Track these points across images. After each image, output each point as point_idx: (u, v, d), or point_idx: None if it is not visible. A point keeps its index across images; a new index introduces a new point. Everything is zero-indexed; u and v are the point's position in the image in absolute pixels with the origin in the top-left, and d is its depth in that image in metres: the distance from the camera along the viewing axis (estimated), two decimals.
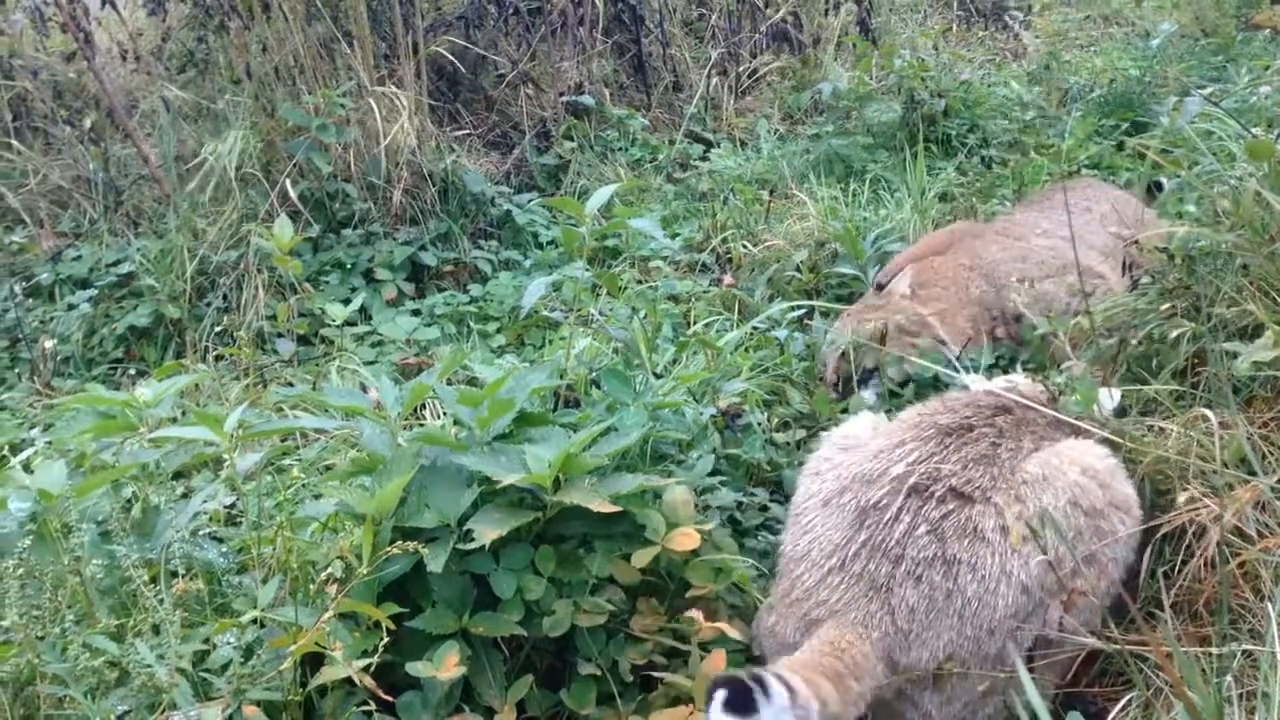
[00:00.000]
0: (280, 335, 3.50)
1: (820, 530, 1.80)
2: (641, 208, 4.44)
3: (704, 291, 3.60)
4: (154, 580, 1.77)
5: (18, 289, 3.88)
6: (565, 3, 5.31)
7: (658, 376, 2.40)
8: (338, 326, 3.48)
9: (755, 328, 2.93)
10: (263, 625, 1.73)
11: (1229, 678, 1.52)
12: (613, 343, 2.64)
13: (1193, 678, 1.44)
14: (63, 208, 4.47)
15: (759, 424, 2.43)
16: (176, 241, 3.86)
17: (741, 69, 5.81)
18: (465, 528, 1.75)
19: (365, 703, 1.65)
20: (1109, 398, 2.11)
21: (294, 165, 3.95)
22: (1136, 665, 1.74)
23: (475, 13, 5.27)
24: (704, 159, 4.97)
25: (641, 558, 1.84)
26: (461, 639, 1.73)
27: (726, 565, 1.91)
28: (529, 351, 3.50)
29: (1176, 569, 1.89)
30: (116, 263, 3.96)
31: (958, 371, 2.48)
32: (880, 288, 2.96)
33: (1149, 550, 1.92)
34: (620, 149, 5.02)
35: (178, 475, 2.44)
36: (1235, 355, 1.96)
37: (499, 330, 3.65)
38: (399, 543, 1.65)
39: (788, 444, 2.47)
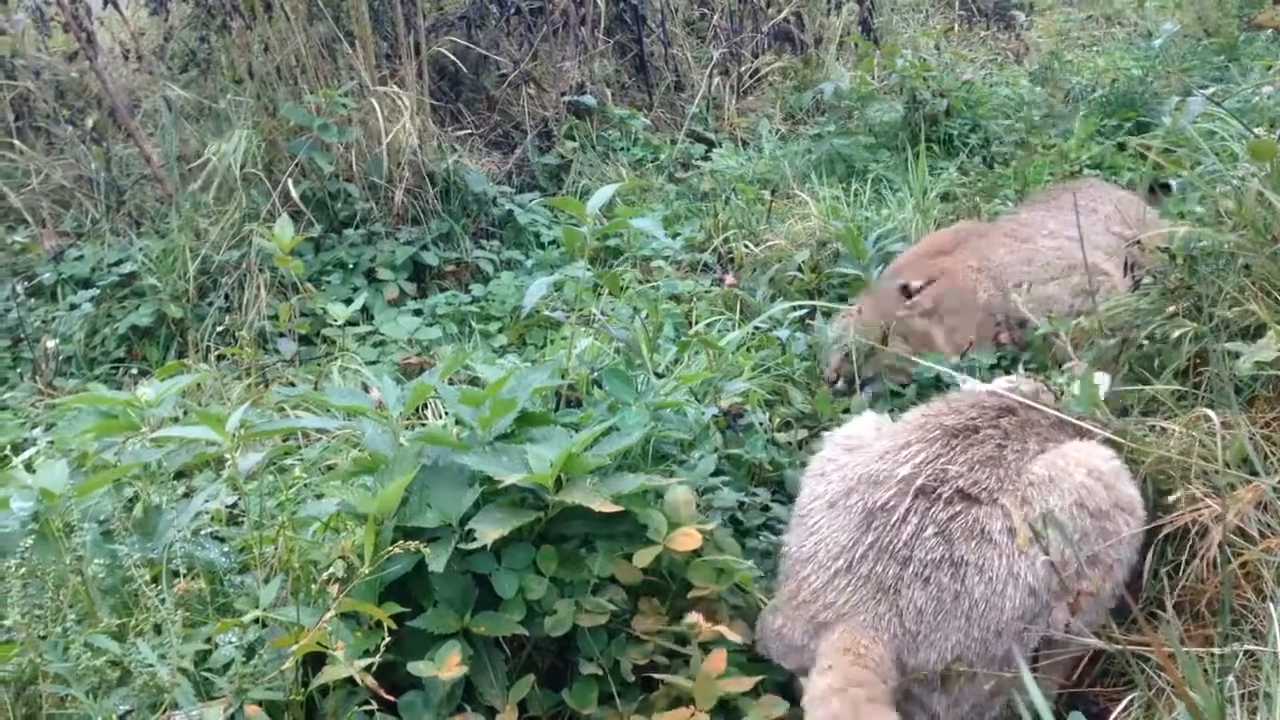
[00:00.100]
0: (282, 335, 3.50)
1: (826, 532, 1.80)
2: (643, 207, 4.43)
3: (706, 291, 3.60)
4: (156, 580, 1.77)
5: (20, 288, 3.88)
6: (567, 2, 5.31)
7: (659, 376, 2.40)
8: (339, 326, 3.48)
9: (757, 328, 2.93)
10: (264, 625, 1.73)
11: (1231, 678, 1.52)
12: (614, 342, 2.64)
13: (1194, 678, 1.44)
14: (65, 207, 4.47)
15: (761, 424, 2.43)
16: (178, 241, 3.86)
17: (743, 69, 5.81)
18: (467, 527, 1.75)
19: (367, 702, 1.65)
20: (1102, 384, 2.11)
21: (296, 165, 3.95)
22: (1138, 665, 1.74)
23: (477, 12, 5.27)
24: (706, 159, 4.97)
25: (643, 558, 1.84)
26: (463, 639, 1.73)
27: (729, 566, 1.91)
28: (530, 351, 3.50)
29: (1178, 569, 1.89)
30: (118, 262, 3.96)
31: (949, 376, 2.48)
32: (908, 293, 2.92)
33: (1151, 550, 1.92)
34: (622, 149, 5.02)
35: (179, 475, 2.44)
36: (1237, 355, 1.96)
37: (501, 330, 3.65)
38: (401, 542, 1.65)
39: (789, 444, 2.47)
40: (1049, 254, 2.96)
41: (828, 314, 3.16)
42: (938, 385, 2.64)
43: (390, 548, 1.66)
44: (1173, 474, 1.96)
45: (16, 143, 4.58)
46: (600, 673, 1.80)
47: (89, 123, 4.63)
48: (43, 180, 4.48)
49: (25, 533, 1.72)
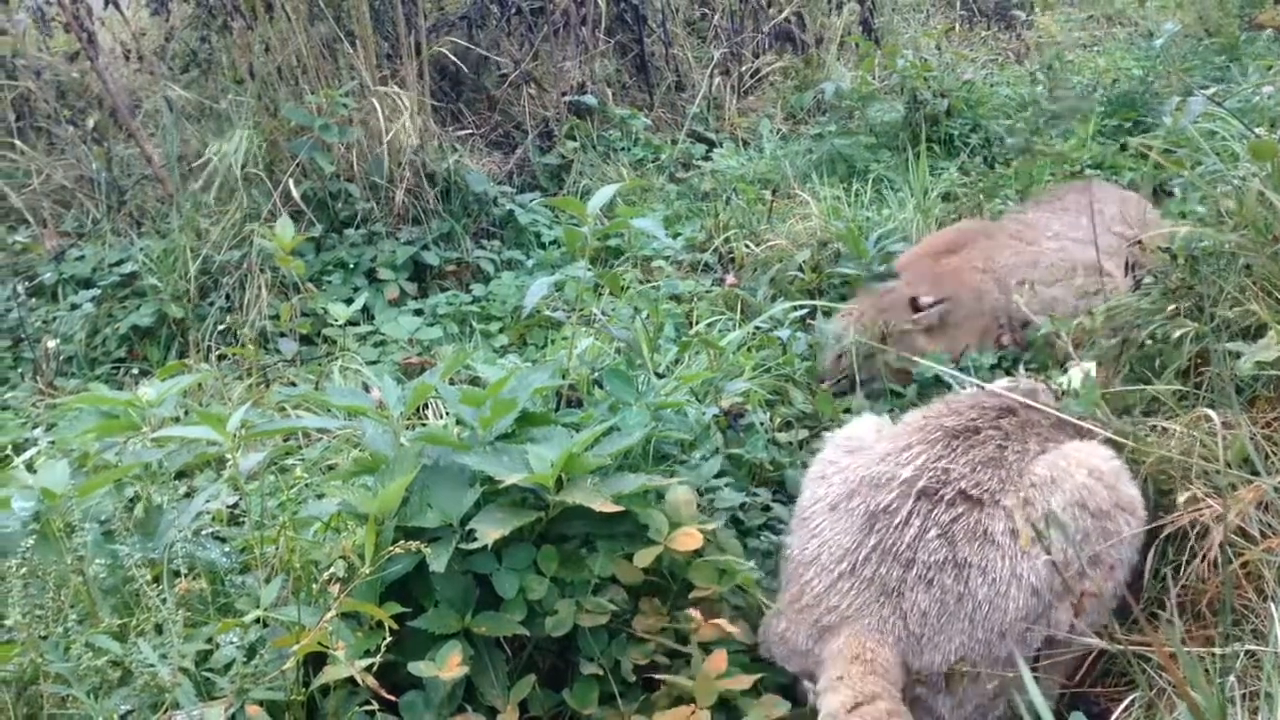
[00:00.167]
0: (283, 335, 3.50)
1: (829, 535, 1.80)
2: (644, 207, 4.43)
3: (706, 291, 3.60)
4: (157, 580, 1.77)
5: (21, 288, 3.88)
6: (568, 2, 5.30)
7: (660, 376, 2.40)
8: (340, 326, 3.48)
9: (758, 328, 2.93)
10: (265, 625, 1.73)
11: (1232, 678, 1.51)
12: (615, 342, 2.64)
13: (1196, 678, 1.44)
14: (66, 207, 4.47)
15: (761, 424, 2.43)
16: (179, 241, 3.86)
17: (744, 69, 5.81)
18: (468, 527, 1.75)
19: (368, 702, 1.65)
20: (1089, 372, 2.11)
21: (297, 165, 3.95)
22: (1140, 666, 1.74)
23: (478, 12, 5.27)
24: (706, 159, 4.97)
25: (644, 558, 1.84)
26: (464, 639, 1.73)
27: (730, 566, 1.91)
28: (531, 351, 3.50)
29: (1180, 569, 1.89)
30: (119, 262, 3.96)
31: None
32: (915, 307, 2.90)
33: (1152, 551, 1.92)
34: (623, 149, 5.02)
35: (180, 475, 2.44)
36: (1238, 355, 1.96)
37: (501, 330, 3.65)
38: (401, 542, 1.65)
39: (790, 444, 2.47)
40: (1053, 256, 2.96)
41: (828, 314, 3.16)
42: (937, 383, 2.64)
43: (391, 548, 1.66)
44: (1174, 474, 1.96)
45: (18, 143, 4.58)
46: (601, 673, 1.80)
47: (90, 123, 4.63)
48: (44, 180, 4.48)
49: (26, 533, 1.72)
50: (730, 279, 3.63)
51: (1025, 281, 2.88)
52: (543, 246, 4.25)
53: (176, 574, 1.80)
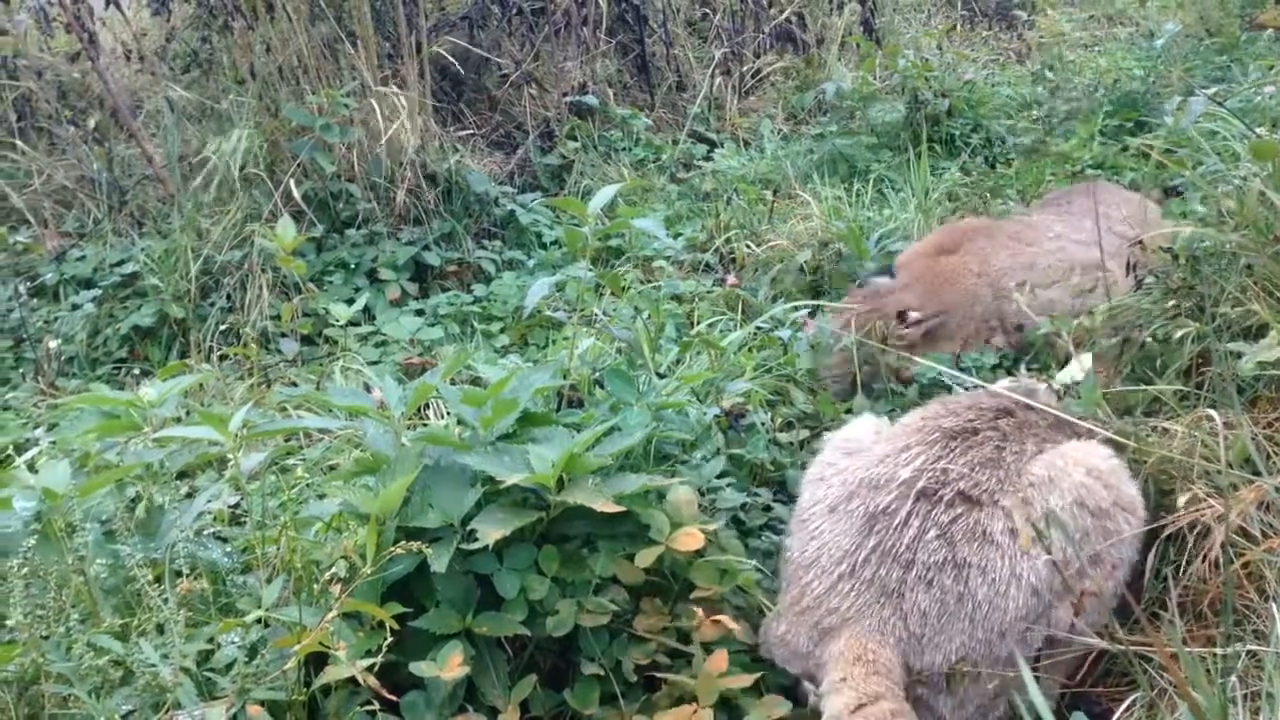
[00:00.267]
0: (284, 335, 3.50)
1: (828, 537, 1.80)
2: (645, 208, 4.44)
3: (707, 292, 3.60)
4: (158, 580, 1.77)
5: (22, 289, 3.88)
6: (569, 3, 5.31)
7: (661, 376, 2.40)
8: (341, 326, 3.48)
9: (759, 328, 2.93)
10: (267, 625, 1.73)
11: (1233, 678, 1.51)
12: (616, 343, 2.64)
13: (1197, 678, 1.44)
14: (67, 208, 4.47)
15: (762, 424, 2.43)
16: (180, 241, 3.86)
17: (745, 69, 5.81)
18: (469, 528, 1.75)
19: (369, 702, 1.66)
20: (1084, 365, 2.11)
21: (298, 165, 3.96)
22: (1141, 666, 1.74)
23: (479, 13, 5.27)
24: (707, 159, 4.97)
25: (645, 558, 1.84)
26: (465, 639, 1.73)
27: (731, 566, 1.91)
28: (532, 351, 3.50)
29: (1181, 569, 1.89)
30: (120, 262, 3.96)
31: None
32: (902, 318, 2.88)
33: (1153, 551, 1.92)
34: (624, 149, 5.02)
35: (182, 475, 2.44)
36: (1239, 355, 1.96)
37: (502, 330, 3.65)
38: (403, 542, 1.65)
39: (791, 444, 2.47)
40: (1051, 257, 2.95)
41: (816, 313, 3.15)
42: (938, 384, 2.64)
43: (392, 548, 1.66)
44: (1175, 474, 1.96)
45: (19, 143, 4.58)
46: (602, 673, 1.80)
47: (91, 123, 4.63)
48: (45, 181, 4.48)
49: (28, 533, 1.72)
50: (731, 279, 3.63)
51: (1025, 283, 2.87)
52: (544, 247, 4.25)
53: (178, 574, 1.80)
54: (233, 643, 1.70)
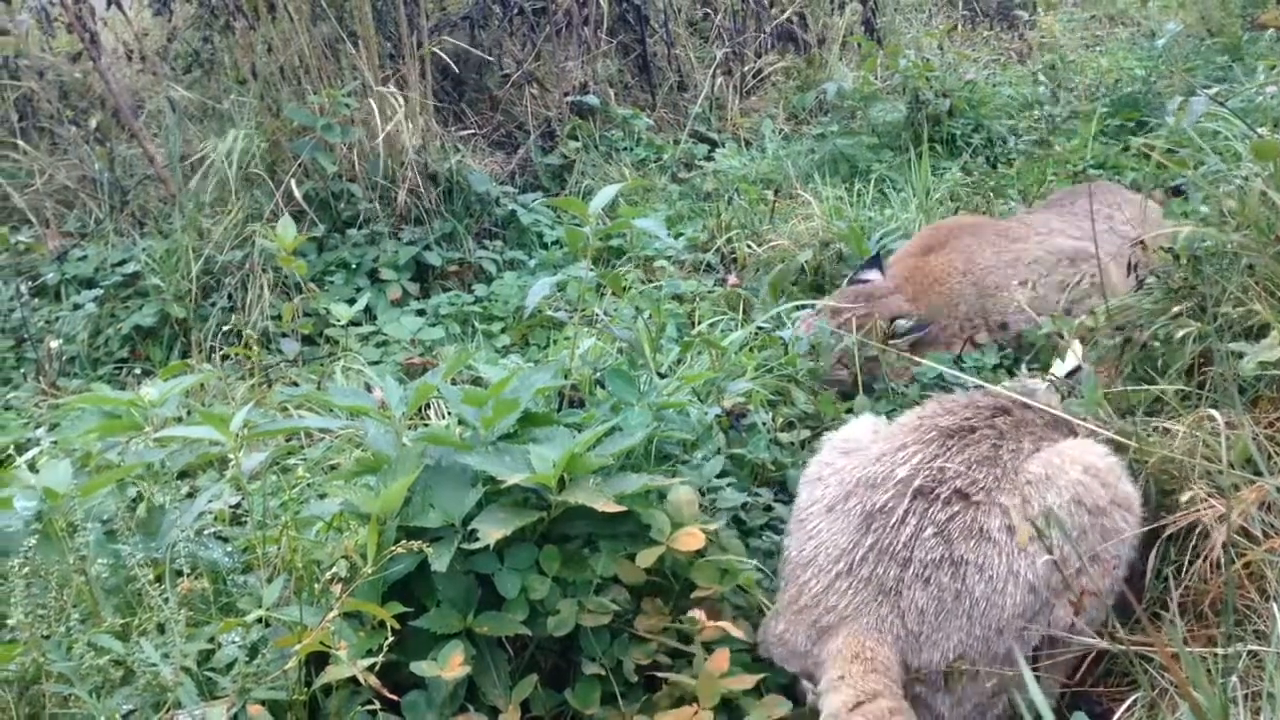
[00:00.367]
0: (285, 335, 3.50)
1: (826, 536, 1.80)
2: (646, 208, 4.43)
3: (708, 291, 3.60)
4: (159, 579, 1.78)
5: (23, 289, 3.88)
6: (570, 3, 5.31)
7: (662, 376, 2.40)
8: (342, 326, 3.49)
9: (760, 328, 2.93)
10: (267, 624, 1.74)
11: (1234, 678, 1.51)
12: (617, 343, 2.64)
13: (1198, 678, 1.44)
14: (68, 207, 4.47)
15: (763, 424, 2.43)
16: (182, 241, 3.86)
17: (746, 69, 5.81)
18: (470, 527, 1.75)
19: (370, 702, 1.66)
20: (1070, 359, 2.11)
21: (299, 165, 3.96)
22: (1142, 666, 1.74)
23: (480, 13, 5.27)
24: (709, 159, 4.97)
25: (646, 558, 1.84)
26: (466, 639, 1.73)
27: (732, 566, 1.91)
28: (533, 351, 3.50)
29: (1182, 570, 1.89)
30: (122, 262, 3.96)
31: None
32: (893, 332, 2.88)
33: (1154, 551, 1.92)
34: (625, 149, 5.02)
35: (183, 475, 2.44)
36: (1241, 355, 1.96)
37: (503, 330, 3.65)
38: (403, 542, 1.65)
39: (792, 444, 2.47)
40: (1039, 249, 2.96)
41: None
42: (939, 384, 2.64)
43: (393, 547, 1.66)
44: (1176, 474, 1.96)
45: (20, 143, 4.58)
46: (603, 672, 1.80)
47: (92, 123, 4.63)
48: (46, 180, 4.48)
49: (29, 532, 1.73)
50: (732, 279, 3.63)
51: (1025, 281, 2.87)
52: (545, 247, 4.25)
53: (179, 574, 1.80)
54: (233, 642, 1.70)
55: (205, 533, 2.00)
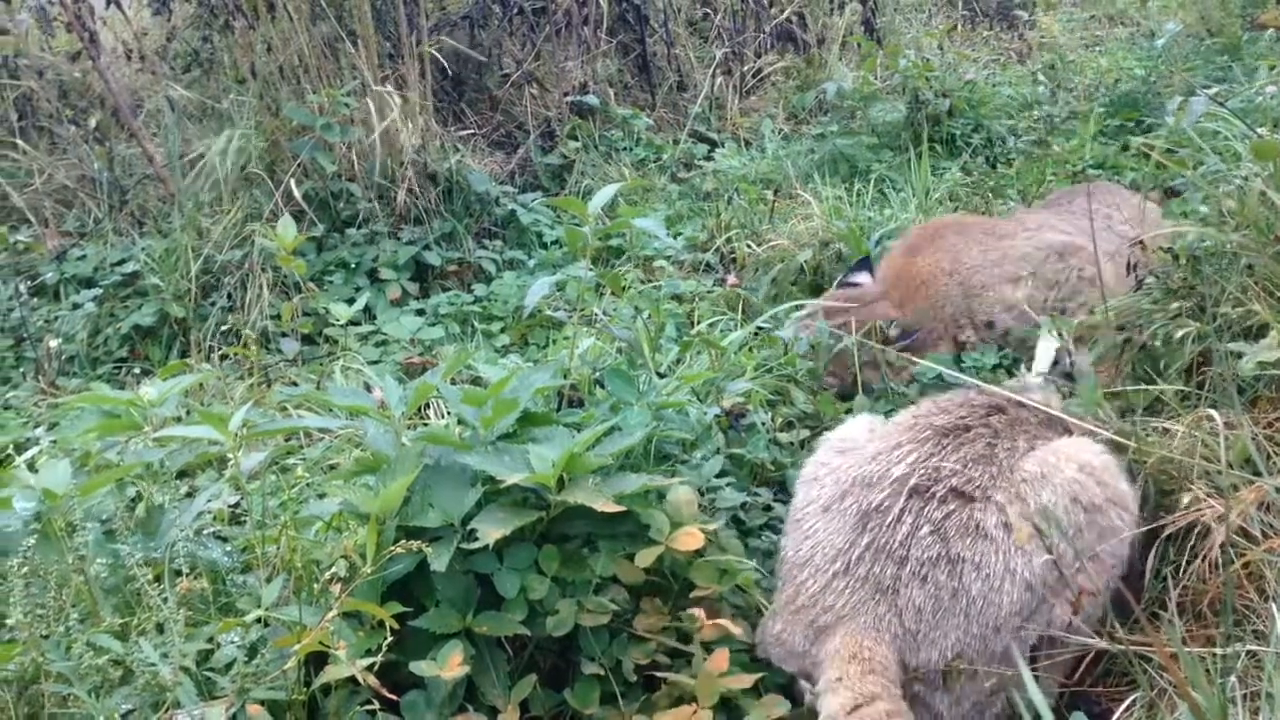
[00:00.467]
0: (284, 334, 3.50)
1: (822, 535, 1.80)
2: (645, 207, 4.43)
3: (708, 291, 3.60)
4: (158, 579, 1.77)
5: (23, 288, 3.88)
6: (570, 2, 5.31)
7: (661, 376, 2.40)
8: (342, 326, 3.48)
9: (759, 328, 2.93)
10: (267, 624, 1.74)
11: (1233, 678, 1.51)
12: (616, 342, 2.64)
13: (1197, 678, 1.44)
14: (67, 207, 4.47)
15: (763, 424, 2.43)
16: (181, 241, 3.86)
17: (746, 69, 5.81)
18: (469, 527, 1.75)
19: (369, 702, 1.66)
20: (1042, 357, 2.11)
21: (298, 165, 3.96)
22: (1141, 666, 1.74)
23: (480, 12, 5.27)
24: (708, 159, 4.97)
25: (645, 557, 1.84)
26: (465, 638, 1.73)
27: (731, 566, 1.91)
28: (533, 351, 3.50)
29: (1181, 570, 1.89)
30: (121, 262, 3.96)
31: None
32: (885, 339, 2.88)
33: (1154, 551, 1.92)
34: (625, 149, 5.02)
35: (182, 474, 2.44)
36: (1240, 355, 1.96)
37: (503, 330, 3.65)
38: (403, 542, 1.65)
39: (792, 444, 2.47)
40: (1026, 245, 2.96)
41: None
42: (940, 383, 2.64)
43: (392, 547, 1.66)
44: (1175, 474, 1.96)
45: (20, 142, 4.58)
46: (602, 672, 1.80)
47: (92, 122, 4.63)
48: (46, 180, 4.48)
49: (28, 532, 1.73)
50: (732, 279, 3.63)
51: (1026, 279, 2.87)
52: (544, 246, 4.25)
53: (178, 573, 1.80)
54: (232, 642, 1.70)
55: (204, 532, 2.00)
